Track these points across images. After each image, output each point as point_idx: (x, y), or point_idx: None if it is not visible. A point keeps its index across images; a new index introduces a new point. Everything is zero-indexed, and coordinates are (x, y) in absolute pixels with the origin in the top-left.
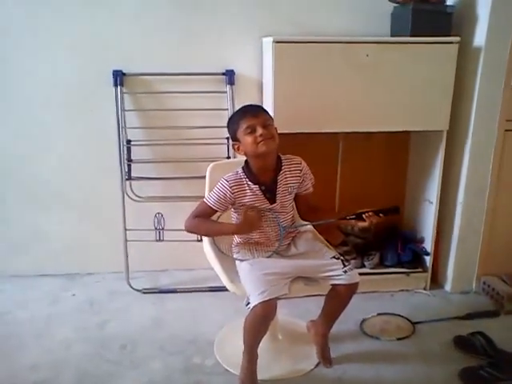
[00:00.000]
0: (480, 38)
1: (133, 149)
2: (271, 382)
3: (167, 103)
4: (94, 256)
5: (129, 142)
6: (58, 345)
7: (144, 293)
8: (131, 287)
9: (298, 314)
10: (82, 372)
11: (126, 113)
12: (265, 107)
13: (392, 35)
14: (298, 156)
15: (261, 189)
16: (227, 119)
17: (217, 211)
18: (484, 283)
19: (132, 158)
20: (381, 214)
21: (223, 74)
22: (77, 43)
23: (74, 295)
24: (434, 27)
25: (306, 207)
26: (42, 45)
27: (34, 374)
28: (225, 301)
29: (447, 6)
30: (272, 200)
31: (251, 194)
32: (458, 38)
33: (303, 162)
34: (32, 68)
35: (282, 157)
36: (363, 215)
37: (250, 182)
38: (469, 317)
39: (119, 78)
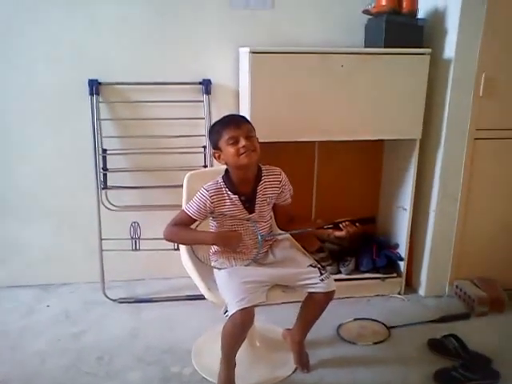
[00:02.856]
0: (450, 50)
1: (109, 158)
2: None
3: (143, 112)
4: (69, 266)
5: (104, 151)
6: (32, 357)
7: (120, 302)
8: (107, 297)
9: (276, 320)
10: None
11: (101, 122)
12: None
13: (366, 46)
14: (277, 167)
15: (240, 199)
16: (204, 128)
17: (196, 220)
18: (456, 287)
19: (108, 166)
20: (357, 224)
21: (200, 83)
22: (53, 52)
23: (48, 306)
24: (407, 39)
25: (284, 217)
26: (18, 53)
27: None
28: (202, 309)
29: (419, 19)
30: (251, 210)
31: (230, 203)
32: (429, 50)
33: (283, 174)
34: (7, 76)
35: (262, 167)
36: (340, 225)
37: (229, 192)
38: (442, 320)
39: (95, 86)
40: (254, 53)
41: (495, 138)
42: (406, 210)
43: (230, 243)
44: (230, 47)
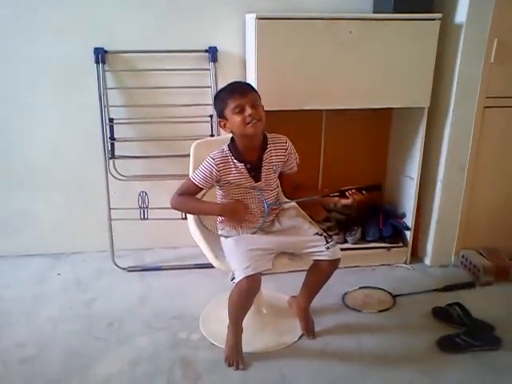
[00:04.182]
0: (461, 15)
1: (116, 127)
2: (256, 354)
3: (150, 81)
4: (79, 235)
5: (111, 120)
6: (45, 323)
7: (129, 271)
8: (116, 266)
9: (282, 288)
10: (69, 349)
11: (108, 91)
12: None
13: (374, 11)
14: (283, 135)
15: (246, 167)
16: (211, 96)
17: (202, 189)
18: (462, 257)
19: (115, 136)
20: (363, 192)
21: (206, 51)
22: (57, 21)
23: (59, 274)
24: (417, 4)
25: (290, 185)
26: (24, 24)
27: (20, 351)
28: (209, 277)
29: None
30: (257, 178)
31: (236, 171)
32: (439, 15)
33: (288, 142)
34: (14, 48)
35: (268, 135)
36: (346, 192)
37: (235, 160)
38: (447, 289)
39: (101, 55)
40: (260, 19)
41: (505, 107)
42: (412, 179)
43: (235, 215)
44: (236, 14)
